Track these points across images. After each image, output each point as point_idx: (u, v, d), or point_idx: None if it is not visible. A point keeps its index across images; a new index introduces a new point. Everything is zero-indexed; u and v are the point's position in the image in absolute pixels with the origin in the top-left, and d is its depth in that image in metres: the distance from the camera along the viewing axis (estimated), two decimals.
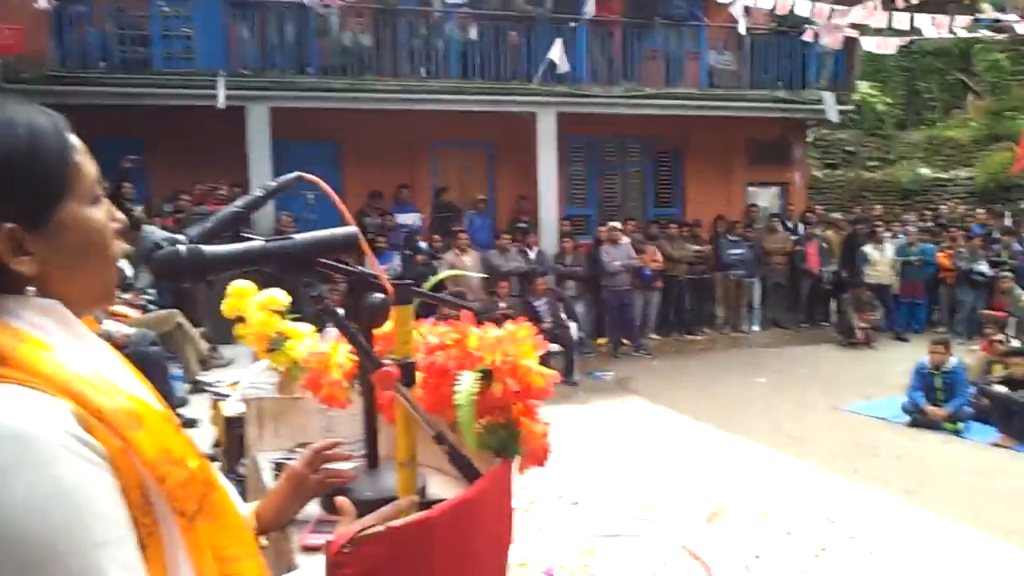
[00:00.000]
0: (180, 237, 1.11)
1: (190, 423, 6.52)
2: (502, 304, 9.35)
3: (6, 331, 0.89)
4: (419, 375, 1.36)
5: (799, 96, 12.76)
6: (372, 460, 1.48)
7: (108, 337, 5.41)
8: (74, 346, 0.94)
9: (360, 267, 1.33)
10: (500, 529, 1.23)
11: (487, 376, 1.26)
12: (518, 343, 1.31)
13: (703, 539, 4.94)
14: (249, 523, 1.24)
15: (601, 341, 11.30)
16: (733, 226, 12.43)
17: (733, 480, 6.16)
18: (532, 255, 10.94)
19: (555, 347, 9.54)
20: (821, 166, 19.06)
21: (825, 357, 11.03)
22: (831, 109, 12.36)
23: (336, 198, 1.27)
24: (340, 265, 1.26)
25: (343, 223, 1.25)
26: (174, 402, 6.18)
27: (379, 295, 1.34)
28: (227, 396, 5.11)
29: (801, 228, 12.85)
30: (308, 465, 1.36)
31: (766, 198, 14.14)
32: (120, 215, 1.03)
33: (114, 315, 6.44)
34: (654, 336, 11.71)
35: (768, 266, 12.37)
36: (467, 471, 1.20)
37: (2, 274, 0.90)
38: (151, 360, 5.55)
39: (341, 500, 1.17)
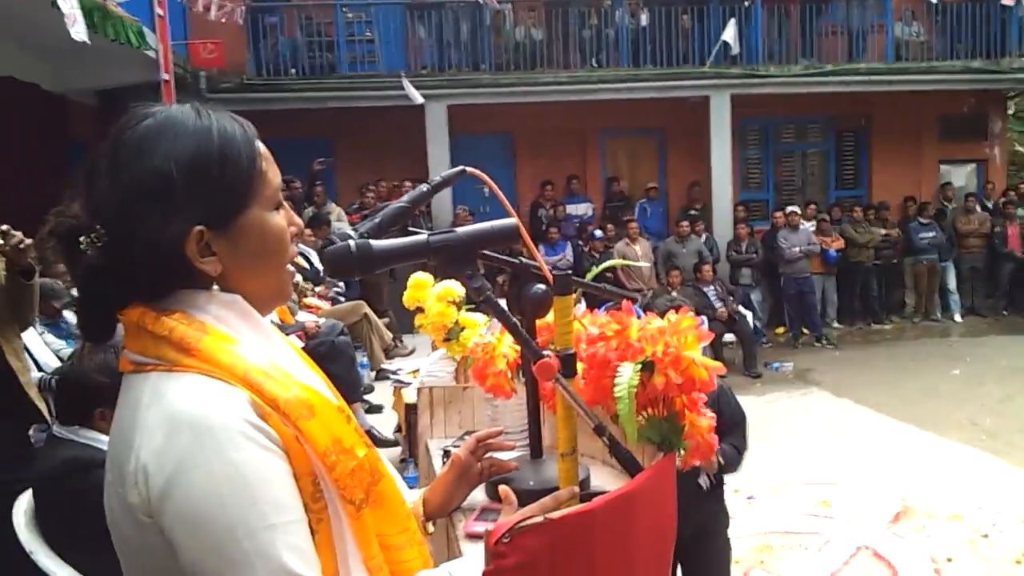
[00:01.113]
0: (351, 232, 1.17)
1: (375, 409, 6.85)
2: (673, 293, 9.19)
3: (192, 324, 0.96)
4: (581, 366, 1.36)
5: (997, 66, 11.70)
6: (535, 450, 1.49)
7: (301, 327, 5.78)
8: (253, 338, 1.00)
9: (522, 258, 1.34)
10: (663, 523, 1.21)
11: (648, 368, 1.23)
12: (680, 334, 1.28)
13: (888, 540, 4.66)
14: (416, 510, 1.28)
15: (779, 331, 10.90)
16: (924, 207, 11.63)
17: (922, 478, 5.83)
18: (701, 241, 10.70)
19: (730, 336, 9.29)
20: None
21: None
22: None
23: (498, 191, 1.29)
24: (501, 257, 1.28)
25: (507, 215, 1.27)
26: (360, 389, 6.48)
27: (541, 286, 1.35)
28: (408, 384, 5.34)
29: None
30: (472, 453, 1.39)
31: (961, 176, 13.12)
32: (298, 220, 1.08)
33: (307, 307, 6.87)
34: (837, 325, 11.15)
35: (964, 250, 11.52)
36: (628, 464, 1.19)
37: (190, 272, 0.97)
38: (339, 349, 5.84)
39: (504, 489, 1.19)
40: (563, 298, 1.24)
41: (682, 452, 1.28)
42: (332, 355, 5.67)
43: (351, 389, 5.84)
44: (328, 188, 10.33)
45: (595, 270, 1.62)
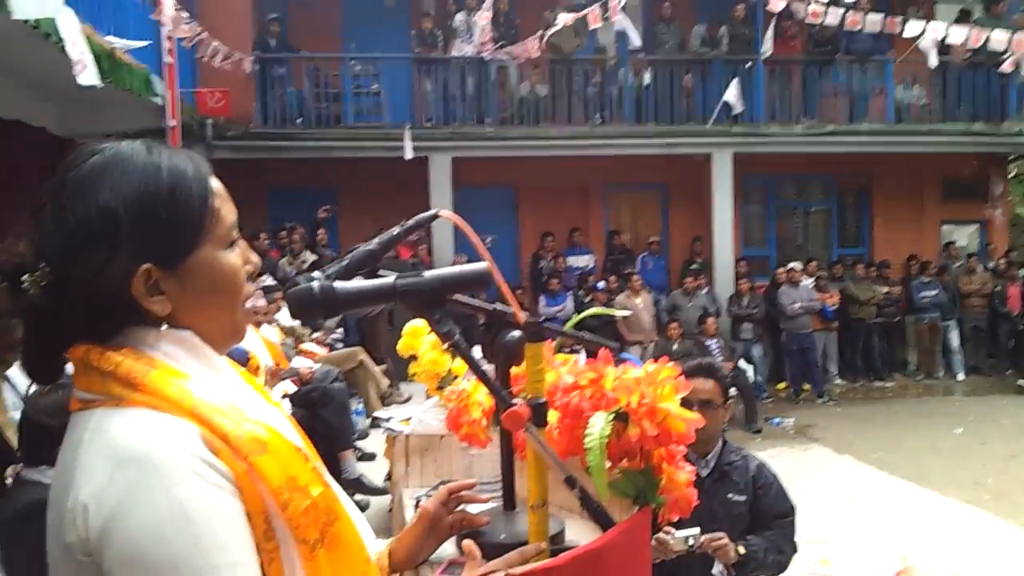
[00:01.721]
0: (316, 274, 1.14)
1: (369, 456, 6.78)
2: (675, 346, 9.14)
3: (141, 359, 0.93)
4: (555, 415, 1.32)
5: (998, 129, 11.80)
6: (509, 502, 1.45)
7: (295, 372, 5.74)
8: (205, 374, 0.97)
9: (495, 304, 1.31)
10: None
11: (621, 418, 1.20)
12: (658, 384, 1.24)
13: None
14: (382, 561, 1.23)
15: (780, 386, 10.81)
16: (926, 266, 11.65)
17: (924, 537, 5.70)
18: (705, 296, 10.68)
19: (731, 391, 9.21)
20: None
21: None
22: None
23: (471, 232, 1.26)
24: (472, 302, 1.25)
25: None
26: (352, 436, 6.41)
27: (517, 332, 1.31)
28: (400, 431, 5.28)
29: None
30: (443, 505, 1.33)
31: (964, 237, 13.19)
32: (255, 258, 1.06)
33: (303, 352, 6.83)
34: (839, 382, 11.08)
35: (967, 309, 11.52)
36: (600, 518, 1.14)
37: (137, 311, 0.94)
38: (331, 395, 5.79)
39: (468, 543, 1.14)
40: (535, 345, 1.21)
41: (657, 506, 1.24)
42: (324, 401, 5.63)
43: (341, 435, 5.79)
44: (332, 237, 10.37)
45: (576, 318, 1.58)
